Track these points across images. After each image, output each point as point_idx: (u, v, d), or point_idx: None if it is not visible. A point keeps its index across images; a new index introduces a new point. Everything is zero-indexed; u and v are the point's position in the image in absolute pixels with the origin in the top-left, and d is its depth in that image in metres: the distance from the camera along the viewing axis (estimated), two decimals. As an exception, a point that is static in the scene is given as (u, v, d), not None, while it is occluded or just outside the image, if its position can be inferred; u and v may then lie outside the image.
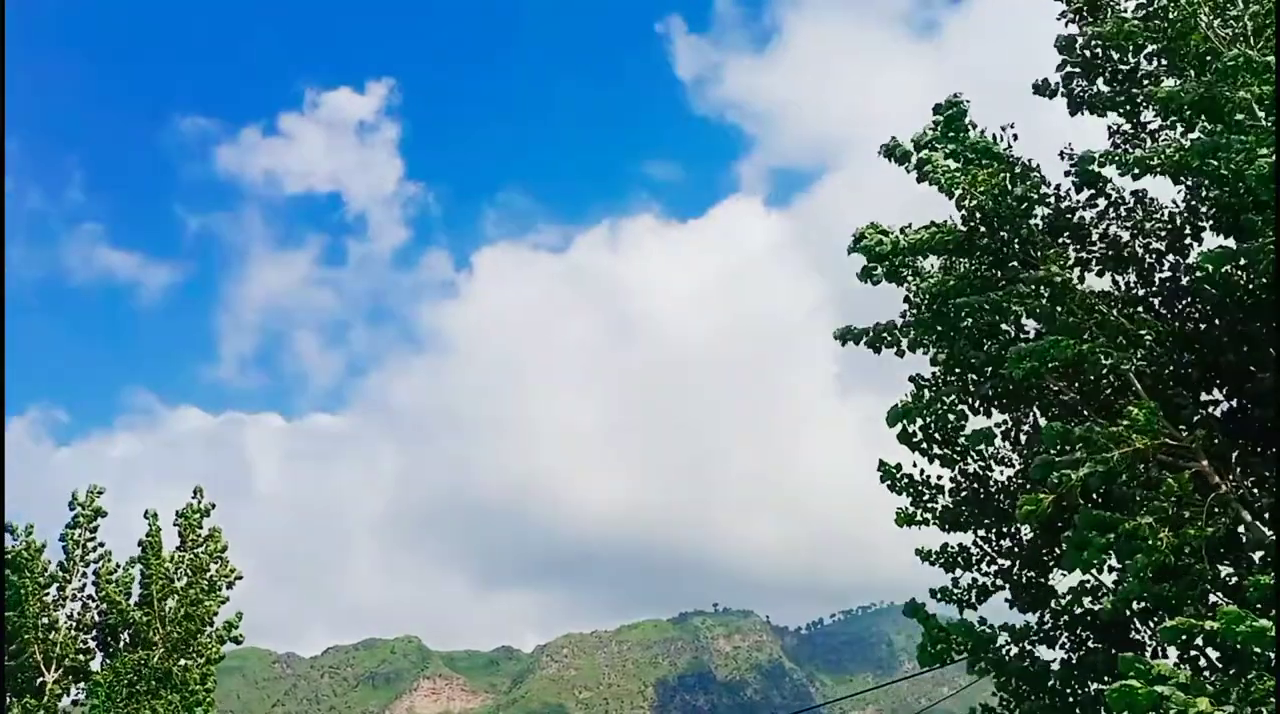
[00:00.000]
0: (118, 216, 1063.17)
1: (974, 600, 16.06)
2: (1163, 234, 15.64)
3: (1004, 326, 14.16)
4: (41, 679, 25.56)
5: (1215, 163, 12.75)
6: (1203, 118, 13.66)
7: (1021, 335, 14.44)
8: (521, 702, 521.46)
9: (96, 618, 26.17)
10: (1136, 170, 13.86)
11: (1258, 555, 13.18)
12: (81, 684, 25.81)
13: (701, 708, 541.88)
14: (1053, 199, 15.19)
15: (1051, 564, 15.55)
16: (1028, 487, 13.46)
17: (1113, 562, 13.28)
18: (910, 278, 15.56)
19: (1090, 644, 14.71)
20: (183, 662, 25.56)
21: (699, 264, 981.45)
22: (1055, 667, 14.65)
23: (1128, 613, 14.10)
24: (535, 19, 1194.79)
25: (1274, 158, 12.28)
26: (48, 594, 25.97)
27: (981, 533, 16.06)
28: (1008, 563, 16.17)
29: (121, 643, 26.36)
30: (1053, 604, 15.62)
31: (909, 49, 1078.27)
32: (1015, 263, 14.52)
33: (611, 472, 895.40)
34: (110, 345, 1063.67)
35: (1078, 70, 16.13)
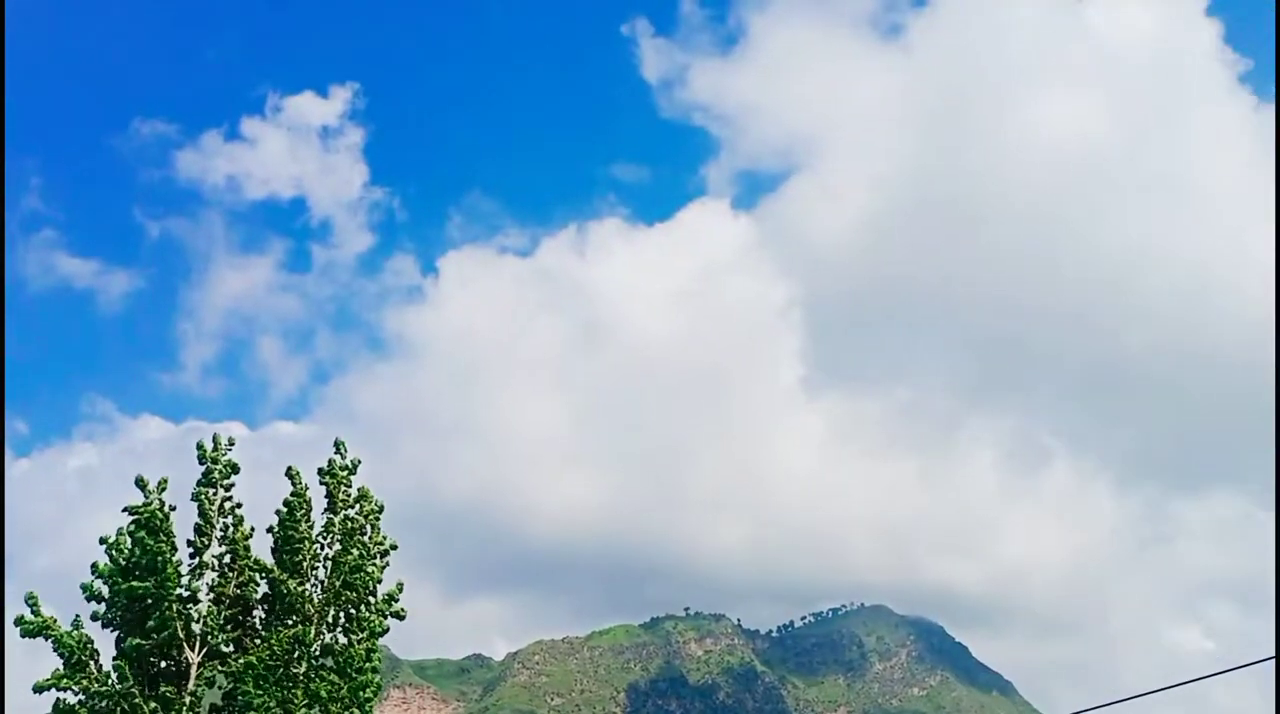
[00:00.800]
0: (76, 223, 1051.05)
1: None
2: None
3: None
4: (173, 663, 21.69)
5: None
6: None
7: None
8: (492, 709, 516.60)
9: (235, 589, 22.30)
10: None
11: None
12: (220, 666, 21.90)
13: (674, 713, 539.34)
14: None
15: None
16: None
17: None
18: None
19: None
20: (343, 638, 21.92)
21: (666, 267, 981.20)
22: None
23: None
24: (500, 22, 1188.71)
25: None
26: (180, 561, 22.05)
27: None
28: None
29: (258, 618, 22.63)
30: None
31: (874, 51, 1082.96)
32: None
33: (580, 476, 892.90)
34: (69, 354, 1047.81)
35: None
